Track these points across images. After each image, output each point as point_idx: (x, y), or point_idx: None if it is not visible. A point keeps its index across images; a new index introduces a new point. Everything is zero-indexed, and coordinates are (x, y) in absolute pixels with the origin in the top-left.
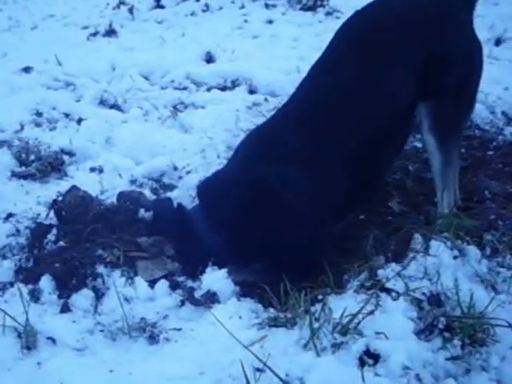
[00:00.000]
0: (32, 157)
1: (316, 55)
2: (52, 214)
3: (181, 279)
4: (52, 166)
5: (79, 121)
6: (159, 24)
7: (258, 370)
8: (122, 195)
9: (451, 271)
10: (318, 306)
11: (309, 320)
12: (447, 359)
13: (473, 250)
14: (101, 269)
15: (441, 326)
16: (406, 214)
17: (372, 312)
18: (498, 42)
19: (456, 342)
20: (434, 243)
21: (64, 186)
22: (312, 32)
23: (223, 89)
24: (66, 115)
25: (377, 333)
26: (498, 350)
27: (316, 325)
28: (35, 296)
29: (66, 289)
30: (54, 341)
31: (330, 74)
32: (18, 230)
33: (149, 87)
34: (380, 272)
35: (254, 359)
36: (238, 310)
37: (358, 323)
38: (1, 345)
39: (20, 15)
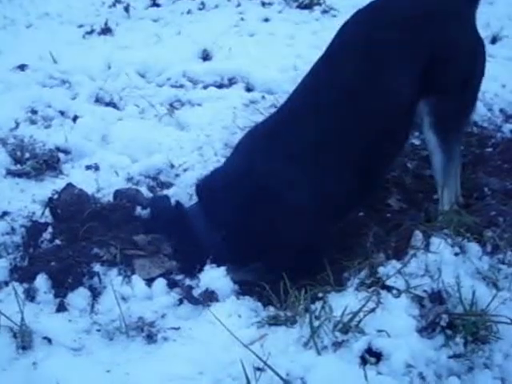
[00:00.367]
0: (27, 155)
1: (313, 53)
2: (47, 212)
3: (179, 277)
4: (47, 164)
5: (75, 118)
6: (155, 22)
7: (258, 369)
8: (118, 193)
9: (452, 268)
10: (319, 304)
11: (309, 318)
12: (450, 357)
13: (473, 247)
14: (97, 267)
15: (443, 323)
16: (406, 211)
17: (373, 310)
18: (494, 40)
19: (458, 339)
20: (434, 240)
21: (59, 184)
22: (308, 30)
23: (220, 86)
24: (62, 113)
25: (378, 331)
26: (501, 347)
27: (316, 323)
28: (31, 295)
29: (61, 288)
30: (49, 340)
31: (332, 72)
32: (13, 229)
33: (145, 85)
34: (380, 269)
35: (254, 358)
36: (237, 309)
37: (359, 321)
38: None
39: (15, 14)
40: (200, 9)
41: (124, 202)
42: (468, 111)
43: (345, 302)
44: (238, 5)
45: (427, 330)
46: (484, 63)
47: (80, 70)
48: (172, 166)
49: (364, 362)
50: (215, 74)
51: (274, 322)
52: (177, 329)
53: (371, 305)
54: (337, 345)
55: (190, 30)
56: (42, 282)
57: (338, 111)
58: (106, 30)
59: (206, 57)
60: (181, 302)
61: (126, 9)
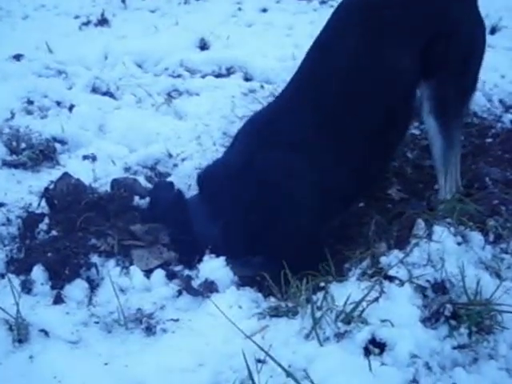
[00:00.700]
0: (23, 145)
1: (311, 43)
2: (44, 202)
3: (178, 268)
4: (44, 154)
5: (71, 108)
6: (152, 13)
7: (259, 361)
8: (115, 182)
9: (455, 258)
10: (320, 295)
11: (311, 309)
12: (454, 348)
13: (476, 236)
14: (95, 258)
15: (447, 313)
16: (406, 202)
17: (376, 299)
18: (493, 31)
19: (463, 329)
20: (437, 229)
21: (56, 174)
22: (306, 20)
23: (218, 76)
24: (58, 103)
25: (382, 320)
26: (506, 337)
27: (318, 314)
28: (27, 287)
29: (58, 279)
30: (46, 333)
31: (330, 55)
32: (8, 220)
33: (142, 74)
34: (382, 259)
35: (255, 350)
36: (237, 300)
37: (362, 311)
38: None
39: (11, 5)
40: None
41: (121, 191)
42: (468, 94)
43: (347, 291)
44: None
45: (431, 320)
46: (484, 44)
47: (76, 60)
48: (170, 156)
49: (367, 352)
50: (213, 63)
51: (275, 313)
52: (176, 320)
53: (374, 294)
54: (339, 336)
55: (188, 21)
56: (38, 273)
57: (337, 95)
58: (103, 21)
59: (203, 46)
60: (180, 293)
61: (123, 0)
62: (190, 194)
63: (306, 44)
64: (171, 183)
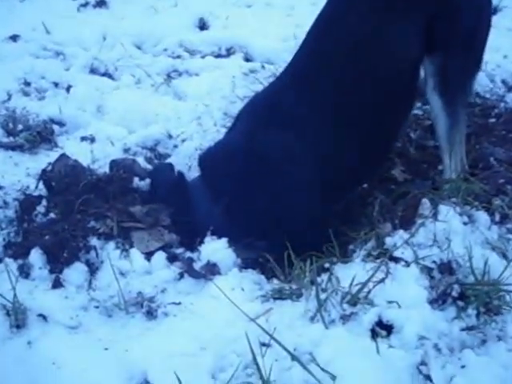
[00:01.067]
0: (20, 127)
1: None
2: (41, 184)
3: (179, 251)
4: (41, 135)
5: (69, 89)
6: None
7: (263, 344)
8: (114, 163)
9: (461, 238)
10: (325, 276)
11: (315, 291)
12: (462, 330)
13: (482, 216)
14: (94, 241)
15: (454, 294)
16: (410, 182)
17: (382, 280)
18: (494, 11)
19: (471, 310)
20: (442, 208)
21: (54, 156)
22: (308, 1)
23: (218, 56)
24: (56, 84)
25: (389, 302)
26: None
27: (323, 296)
28: (25, 271)
29: (57, 263)
30: (45, 318)
31: (332, 33)
32: (5, 203)
33: (141, 55)
34: (387, 240)
35: (259, 334)
36: (240, 282)
37: (368, 292)
38: None
39: None
40: None
41: (120, 172)
42: (473, 71)
43: (352, 273)
44: None
45: (438, 301)
46: (490, 19)
47: (74, 41)
48: (170, 137)
49: (374, 335)
50: (213, 43)
51: (279, 295)
52: (178, 304)
53: (380, 275)
54: (345, 318)
55: (187, 1)
56: (36, 257)
57: (340, 73)
58: (101, 3)
59: (202, 26)
60: (181, 275)
61: None
62: (191, 175)
63: (308, 24)
64: (171, 165)
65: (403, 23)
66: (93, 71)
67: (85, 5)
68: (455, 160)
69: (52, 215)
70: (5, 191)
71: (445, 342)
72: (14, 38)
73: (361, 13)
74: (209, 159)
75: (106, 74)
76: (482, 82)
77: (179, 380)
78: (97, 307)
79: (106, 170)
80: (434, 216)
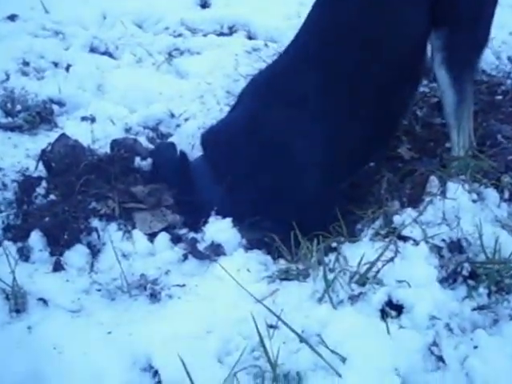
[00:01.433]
0: (19, 107)
1: None
2: (41, 165)
3: (182, 231)
4: (41, 116)
5: (68, 68)
6: None
7: (270, 326)
8: (115, 143)
9: (470, 216)
10: (332, 256)
11: (323, 271)
12: (474, 309)
13: (491, 193)
14: (95, 222)
15: (465, 272)
16: (417, 160)
17: (392, 259)
18: None
19: (482, 289)
20: (451, 186)
21: (54, 137)
22: None
23: (220, 35)
24: (55, 64)
25: (398, 281)
26: None
27: (331, 276)
28: (24, 254)
29: (58, 245)
30: (45, 302)
31: (337, 9)
32: (4, 185)
33: (142, 34)
34: (395, 218)
35: (266, 315)
36: (245, 263)
37: (377, 272)
38: None
39: None
40: None
41: (122, 152)
42: (481, 45)
43: (360, 252)
44: None
45: (448, 280)
46: None
47: (73, 20)
48: (172, 116)
49: (384, 315)
50: (215, 22)
51: (286, 276)
52: (182, 286)
53: (388, 254)
54: (354, 298)
55: None
56: (36, 239)
57: (345, 49)
58: None
59: (204, 4)
60: (185, 257)
61: None
62: (194, 155)
63: (312, 1)
64: (173, 144)
65: None
66: (93, 50)
67: None
68: (463, 136)
69: (52, 197)
70: (4, 173)
71: (456, 322)
72: (12, 17)
73: None
74: (211, 138)
75: (107, 53)
76: (488, 60)
77: (184, 364)
78: (99, 290)
79: (107, 150)
80: (443, 194)
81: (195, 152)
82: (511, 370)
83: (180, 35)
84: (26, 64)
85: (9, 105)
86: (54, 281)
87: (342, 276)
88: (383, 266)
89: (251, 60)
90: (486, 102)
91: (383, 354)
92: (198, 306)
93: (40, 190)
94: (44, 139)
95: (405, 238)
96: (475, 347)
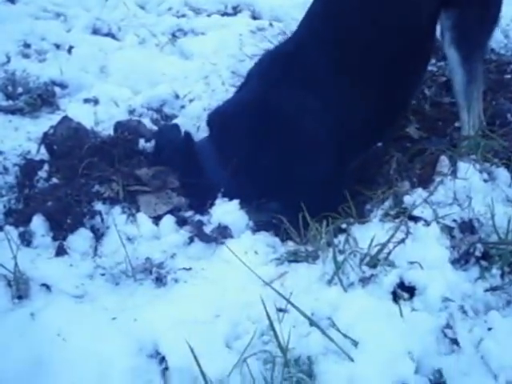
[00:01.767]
0: (20, 90)
1: None
2: (43, 148)
3: (188, 214)
4: (42, 98)
5: (70, 50)
6: None
7: (280, 310)
8: (119, 125)
9: (482, 195)
10: (342, 237)
11: (332, 253)
12: (486, 290)
13: (502, 173)
14: (99, 206)
15: (478, 253)
16: (426, 140)
17: (403, 240)
18: None
19: (495, 270)
20: (461, 166)
21: (56, 119)
22: None
23: (224, 15)
24: (57, 46)
25: (410, 263)
26: None
27: (340, 258)
28: (26, 239)
29: (60, 230)
30: (48, 288)
31: None
32: (5, 168)
33: (145, 15)
34: (406, 199)
35: (275, 299)
36: (253, 245)
37: (389, 253)
38: None
39: None
40: None
41: (125, 134)
42: (491, 24)
43: (370, 233)
44: None
45: (460, 261)
46: None
47: (75, 2)
48: (177, 97)
49: (396, 297)
50: (218, 1)
51: (294, 258)
52: (188, 269)
53: (399, 235)
54: (365, 280)
55: None
56: (38, 224)
57: (356, 28)
58: None
59: None
60: (191, 240)
61: None
62: (199, 136)
63: None
64: (177, 126)
65: None
66: (95, 32)
67: None
68: (473, 116)
69: (54, 180)
70: (4, 156)
71: (469, 303)
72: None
73: None
74: (218, 118)
75: (109, 35)
76: (496, 38)
77: (192, 350)
78: (103, 275)
79: (111, 132)
80: (453, 173)
81: (201, 133)
82: None
83: (183, 15)
84: (28, 46)
85: (10, 88)
86: (57, 266)
87: (352, 258)
88: (394, 247)
89: (256, 40)
90: (494, 81)
91: (396, 338)
92: (205, 289)
93: (42, 174)
94: (46, 122)
95: (415, 219)
96: (489, 329)
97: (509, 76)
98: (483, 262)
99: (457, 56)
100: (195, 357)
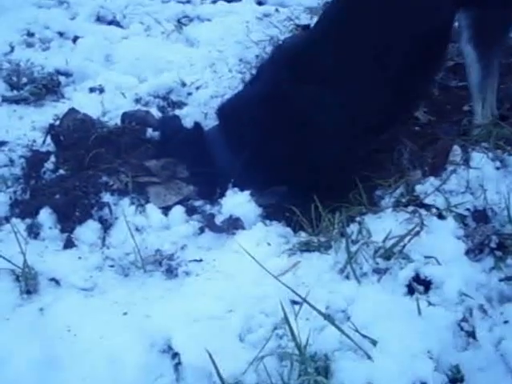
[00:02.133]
0: (24, 79)
1: None
2: (49, 139)
3: (198, 204)
4: (47, 88)
5: (75, 39)
6: None
7: (294, 302)
8: (126, 115)
9: (495, 184)
10: (354, 228)
11: (345, 243)
12: (501, 280)
13: None
14: (107, 197)
15: (493, 244)
16: (434, 124)
17: (417, 233)
18: None
19: (510, 261)
20: (474, 154)
21: (61, 109)
22: None
23: (230, 1)
24: (61, 34)
25: (425, 256)
26: None
27: (353, 248)
28: (34, 232)
29: (68, 222)
30: (57, 282)
31: None
32: (11, 160)
33: (150, 2)
34: (417, 187)
35: (289, 291)
36: (265, 236)
37: (404, 246)
38: None
39: None
40: None
41: (133, 124)
42: (508, 24)
43: (383, 224)
44: None
45: (474, 252)
46: None
47: None
48: (183, 85)
49: (411, 291)
50: None
51: (306, 248)
52: (199, 261)
53: (413, 227)
54: (379, 272)
55: None
56: (45, 216)
57: (371, 23)
58: None
59: None
60: (202, 230)
61: None
62: (207, 124)
63: None
64: (177, 117)
65: None
66: (99, 20)
67: None
68: (486, 107)
69: (61, 171)
70: (9, 147)
71: (485, 295)
72: None
73: None
74: (229, 107)
75: (114, 23)
76: None
77: (207, 349)
78: (112, 266)
79: (117, 121)
80: (466, 162)
81: (208, 121)
82: None
83: (189, 2)
84: (31, 35)
85: (14, 78)
86: (66, 258)
87: (366, 249)
88: (409, 240)
89: (262, 26)
90: (503, 65)
91: (414, 336)
92: (218, 282)
93: (49, 165)
94: (50, 111)
95: (428, 207)
96: (505, 322)
97: None
98: (498, 253)
99: (474, 53)
100: (210, 355)
